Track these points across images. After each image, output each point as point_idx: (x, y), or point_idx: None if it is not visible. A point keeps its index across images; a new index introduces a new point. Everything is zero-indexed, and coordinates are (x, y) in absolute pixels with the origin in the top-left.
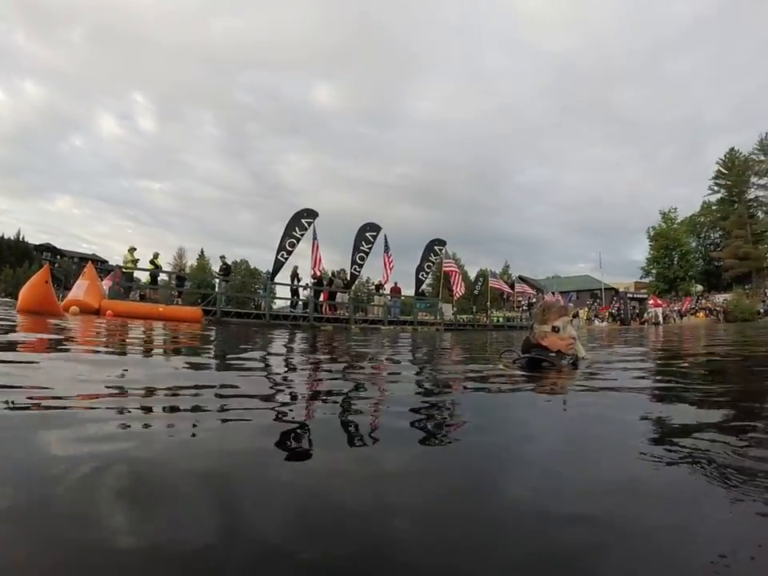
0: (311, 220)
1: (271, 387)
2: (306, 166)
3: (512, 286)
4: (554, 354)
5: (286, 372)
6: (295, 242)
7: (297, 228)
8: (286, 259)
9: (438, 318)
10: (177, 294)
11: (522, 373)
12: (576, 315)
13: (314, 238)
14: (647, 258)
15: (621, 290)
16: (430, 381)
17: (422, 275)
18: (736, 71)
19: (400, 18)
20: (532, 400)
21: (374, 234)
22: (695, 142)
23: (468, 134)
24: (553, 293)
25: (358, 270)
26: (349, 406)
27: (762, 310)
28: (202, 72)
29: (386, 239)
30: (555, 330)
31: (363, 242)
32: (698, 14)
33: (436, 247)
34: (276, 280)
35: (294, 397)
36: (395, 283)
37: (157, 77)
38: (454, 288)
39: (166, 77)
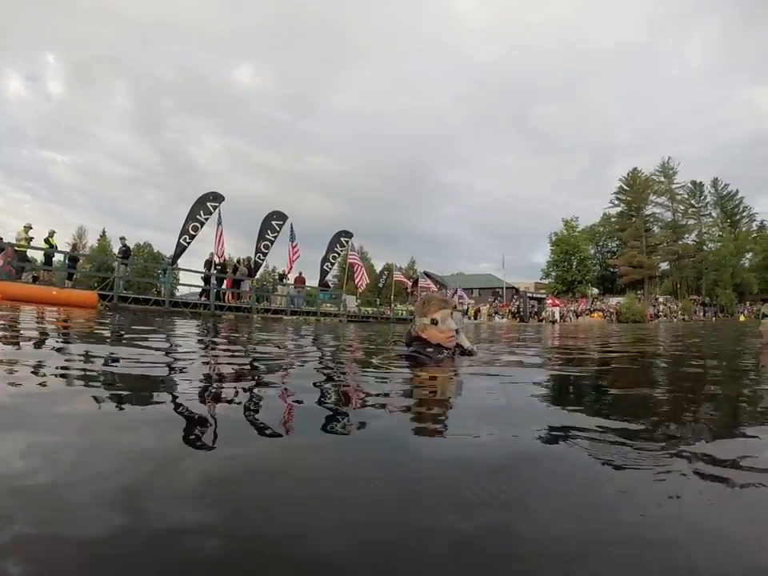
0: (217, 204)
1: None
2: (218, 148)
3: (416, 281)
4: (431, 349)
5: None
6: (199, 225)
7: (201, 211)
8: (189, 243)
9: (342, 309)
10: (67, 276)
11: (395, 366)
12: (477, 311)
13: (219, 223)
14: (548, 261)
15: (521, 289)
16: (292, 371)
17: (327, 266)
18: (646, 101)
19: (333, 8)
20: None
21: (281, 222)
22: (602, 160)
23: (386, 131)
24: (455, 289)
25: (262, 258)
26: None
27: (652, 313)
28: (121, 39)
29: (291, 228)
30: (434, 322)
31: (269, 230)
32: (623, 45)
33: (342, 239)
34: (181, 265)
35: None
36: (300, 273)
37: (72, 38)
38: (358, 280)
39: (82, 39)
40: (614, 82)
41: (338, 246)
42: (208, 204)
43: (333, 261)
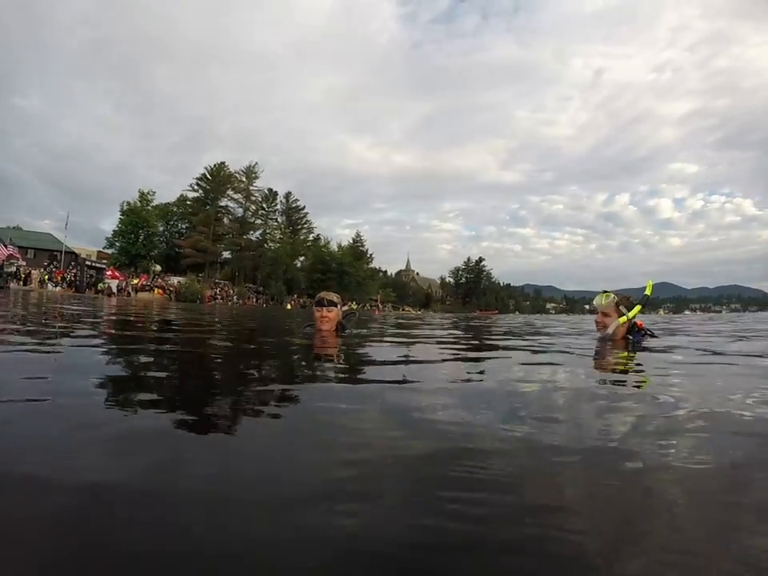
0: None
1: None
2: None
3: None
4: None
5: None
6: None
7: None
8: None
9: None
10: None
11: None
12: (29, 275)
13: None
14: (114, 230)
15: (82, 256)
16: None
17: None
18: (262, 108)
19: None
20: None
21: None
22: (197, 143)
23: None
24: (6, 245)
25: None
26: None
27: (210, 295)
28: None
29: None
30: None
31: None
32: (267, 53)
33: None
34: None
35: None
36: None
37: None
38: None
39: None
40: (243, 79)
41: None
42: None
43: None
